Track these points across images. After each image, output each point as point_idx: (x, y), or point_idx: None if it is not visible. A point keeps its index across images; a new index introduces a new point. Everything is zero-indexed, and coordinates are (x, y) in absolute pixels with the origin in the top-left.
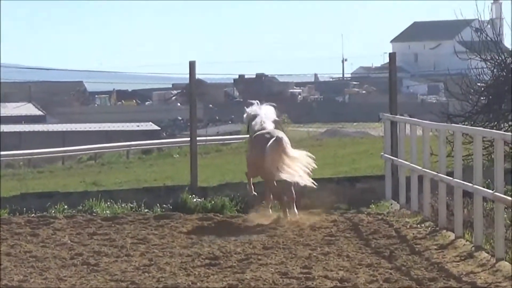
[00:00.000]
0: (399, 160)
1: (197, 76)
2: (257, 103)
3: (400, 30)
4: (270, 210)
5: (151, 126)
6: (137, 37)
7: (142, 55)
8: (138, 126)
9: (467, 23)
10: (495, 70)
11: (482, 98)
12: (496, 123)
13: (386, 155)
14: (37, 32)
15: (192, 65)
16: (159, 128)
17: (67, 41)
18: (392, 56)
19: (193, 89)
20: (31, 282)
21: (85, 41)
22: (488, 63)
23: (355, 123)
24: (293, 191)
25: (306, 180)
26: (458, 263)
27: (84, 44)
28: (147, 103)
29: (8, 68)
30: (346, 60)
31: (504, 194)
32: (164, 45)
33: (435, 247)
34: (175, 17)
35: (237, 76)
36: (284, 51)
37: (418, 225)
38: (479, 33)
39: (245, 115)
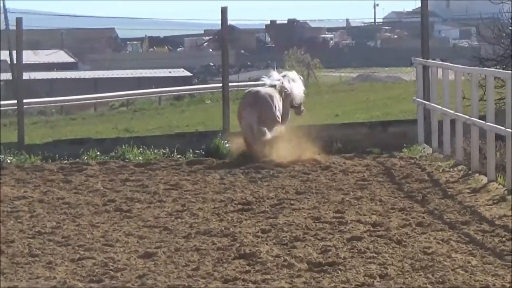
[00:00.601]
0: (432, 104)
1: (229, 22)
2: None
3: None
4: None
5: (183, 73)
6: None
7: (174, 1)
8: (170, 72)
9: None
10: None
11: None
12: None
13: (418, 99)
14: None
15: (224, 10)
16: (191, 74)
17: None
18: (424, 0)
19: (225, 35)
20: (64, 228)
21: None
22: None
23: (387, 68)
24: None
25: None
26: (490, 207)
27: None
28: (179, 49)
29: (39, 15)
30: (377, 5)
31: None
32: None
33: (468, 190)
34: None
35: (268, 22)
36: None
37: (451, 169)
38: None
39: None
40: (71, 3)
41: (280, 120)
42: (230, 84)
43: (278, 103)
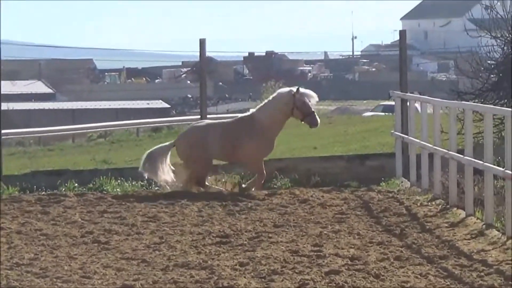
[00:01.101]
0: (410, 137)
1: (207, 54)
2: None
3: (410, 8)
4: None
5: (161, 104)
6: (145, 15)
7: (152, 33)
8: (148, 104)
9: (477, 0)
10: (505, 47)
11: (492, 75)
12: (506, 100)
13: (396, 132)
14: (46, 9)
15: (202, 42)
16: (169, 106)
17: (75, 18)
18: (402, 33)
19: (204, 67)
20: (42, 260)
21: (94, 18)
22: (498, 41)
23: (365, 101)
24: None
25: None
26: (469, 241)
27: (93, 22)
28: (157, 80)
29: (17, 45)
30: (356, 37)
31: None
32: (173, 23)
33: (446, 225)
34: None
35: (246, 54)
36: (293, 29)
37: (429, 203)
38: (489, 11)
39: None
40: (49, 33)
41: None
42: (208, 116)
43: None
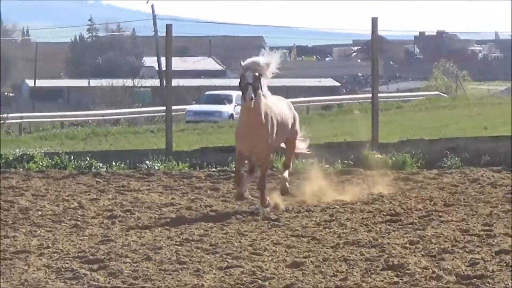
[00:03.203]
0: None
1: (378, 33)
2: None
3: None
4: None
5: (331, 82)
6: None
7: (321, 11)
8: (319, 81)
9: None
10: None
11: None
12: None
13: None
14: None
15: (374, 21)
16: (339, 84)
17: None
18: None
19: (375, 46)
20: (212, 236)
21: None
22: None
23: None
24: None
25: None
26: None
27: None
28: (327, 59)
29: (187, 22)
30: None
31: None
32: (344, 2)
33: None
34: None
35: (417, 33)
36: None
37: None
38: None
39: None
40: (219, 10)
41: None
42: (379, 94)
43: None
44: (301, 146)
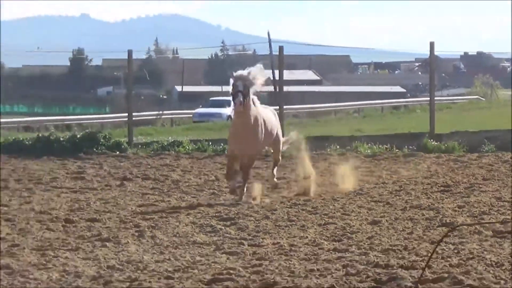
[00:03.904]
0: None
1: (434, 53)
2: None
3: None
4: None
5: (399, 89)
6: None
7: (395, 34)
8: (390, 88)
9: None
10: None
11: None
12: None
13: None
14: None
15: (431, 45)
16: (405, 91)
17: (342, 22)
18: None
19: (432, 63)
20: (313, 201)
21: (355, 19)
22: None
23: None
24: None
25: None
26: None
27: (353, 25)
28: (396, 72)
29: (294, 44)
30: None
31: None
32: (407, 26)
33: None
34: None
35: (462, 53)
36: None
37: None
38: None
39: None
40: (319, 34)
41: None
42: (435, 98)
43: None
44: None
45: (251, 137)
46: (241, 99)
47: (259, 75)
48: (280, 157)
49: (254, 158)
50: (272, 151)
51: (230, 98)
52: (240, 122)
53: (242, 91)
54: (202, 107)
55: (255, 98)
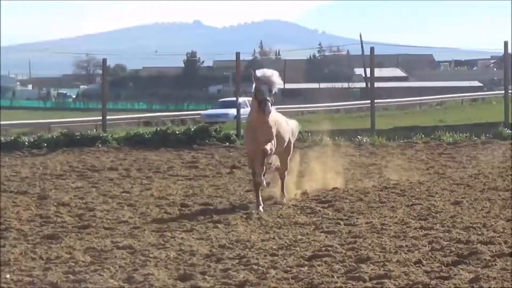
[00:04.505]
0: None
1: (509, 51)
2: None
3: None
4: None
5: (477, 84)
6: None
7: (469, 36)
8: (469, 83)
9: None
10: None
11: None
12: None
13: None
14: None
15: (505, 44)
16: (482, 85)
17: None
18: None
19: (506, 60)
20: (401, 184)
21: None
22: None
23: None
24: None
25: None
26: None
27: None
28: (474, 68)
29: (383, 45)
30: None
31: None
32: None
33: None
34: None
35: None
36: None
37: None
38: None
39: None
40: (405, 35)
41: None
42: (509, 91)
43: None
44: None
45: (268, 134)
46: (270, 109)
47: (277, 76)
48: (286, 172)
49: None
50: (279, 163)
51: (244, 99)
52: (261, 124)
53: (268, 99)
54: (212, 108)
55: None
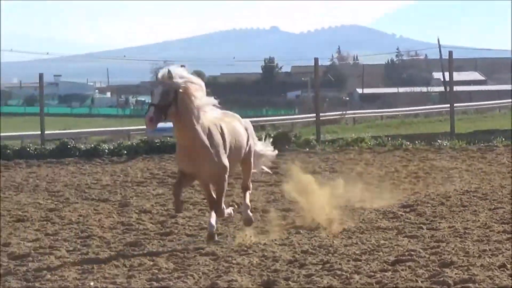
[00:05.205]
0: None
1: None
2: None
3: None
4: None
5: None
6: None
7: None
8: None
9: None
10: None
11: None
12: None
13: None
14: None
15: None
16: None
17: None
18: None
19: None
20: (483, 188)
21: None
22: None
23: None
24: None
25: None
26: None
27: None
28: None
29: (461, 49)
30: None
31: None
32: None
33: None
34: None
35: None
36: None
37: None
38: None
39: None
40: (483, 39)
41: None
42: None
43: None
44: (269, 153)
45: (207, 157)
46: (152, 115)
47: (186, 73)
48: (250, 182)
49: (222, 181)
50: (242, 172)
51: None
52: (184, 139)
53: (154, 103)
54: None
55: (207, 105)
